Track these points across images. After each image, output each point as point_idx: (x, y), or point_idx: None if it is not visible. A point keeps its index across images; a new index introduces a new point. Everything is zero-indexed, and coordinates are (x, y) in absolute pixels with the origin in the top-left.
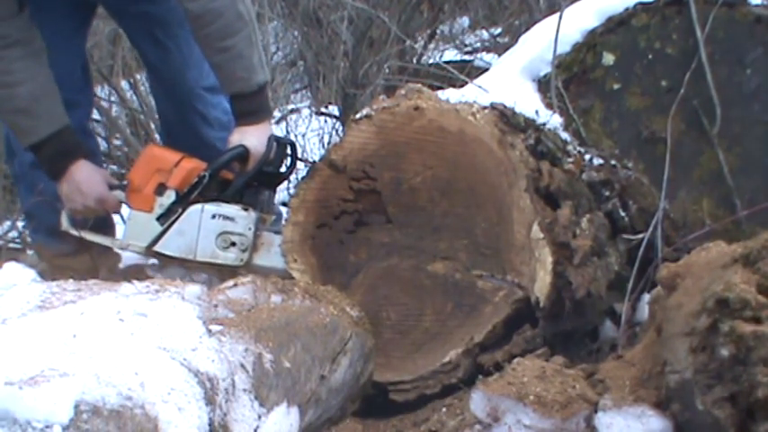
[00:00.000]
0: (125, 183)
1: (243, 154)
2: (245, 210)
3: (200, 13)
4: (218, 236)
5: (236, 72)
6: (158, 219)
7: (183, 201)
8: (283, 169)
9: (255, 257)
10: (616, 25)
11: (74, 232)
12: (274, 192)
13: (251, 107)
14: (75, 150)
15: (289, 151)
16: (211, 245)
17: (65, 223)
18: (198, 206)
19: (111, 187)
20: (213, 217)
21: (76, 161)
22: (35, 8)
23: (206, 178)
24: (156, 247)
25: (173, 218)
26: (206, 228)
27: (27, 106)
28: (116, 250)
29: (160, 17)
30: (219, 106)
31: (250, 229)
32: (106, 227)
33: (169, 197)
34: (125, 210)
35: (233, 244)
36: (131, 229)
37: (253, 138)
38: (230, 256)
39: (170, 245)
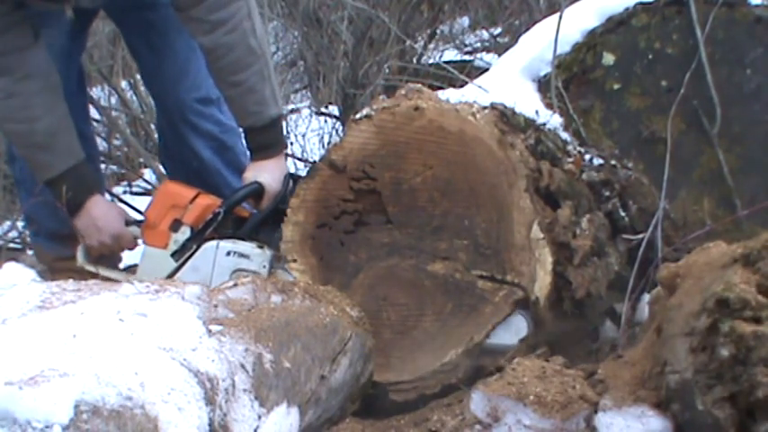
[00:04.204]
0: (141, 219)
1: (257, 191)
2: (260, 247)
3: (212, 47)
4: (232, 273)
5: (248, 106)
6: (173, 255)
7: (197, 237)
8: None
9: None
10: (616, 25)
11: (89, 268)
12: None
13: (264, 141)
14: (92, 185)
15: None
16: None
17: (80, 258)
18: (213, 243)
19: (127, 223)
20: (228, 254)
21: (93, 196)
22: (34, 12)
23: (221, 215)
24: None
25: (187, 254)
26: (221, 265)
27: (45, 141)
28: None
29: (159, 24)
30: (212, 118)
31: (264, 267)
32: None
33: (184, 233)
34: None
35: None
36: (146, 265)
37: (267, 174)
38: None
39: (184, 281)
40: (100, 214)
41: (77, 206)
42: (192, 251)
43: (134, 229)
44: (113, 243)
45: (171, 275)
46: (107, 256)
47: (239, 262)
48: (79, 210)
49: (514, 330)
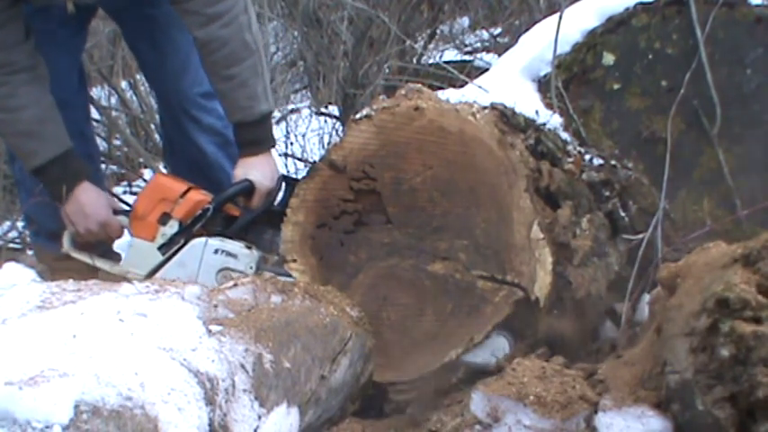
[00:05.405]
0: (129, 209)
1: (247, 189)
2: (249, 248)
3: (207, 40)
4: (218, 271)
5: (239, 100)
6: (160, 248)
7: (185, 232)
8: None
9: None
10: (616, 25)
11: (74, 254)
12: (279, 231)
13: (253, 136)
14: (80, 173)
15: None
16: (211, 280)
17: (66, 245)
18: (201, 239)
19: (116, 212)
20: (216, 252)
21: (81, 183)
22: (33, 9)
23: (210, 211)
24: (156, 277)
25: (174, 248)
26: (207, 262)
27: (31, 129)
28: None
29: (160, 20)
30: (214, 112)
31: (251, 267)
32: (109, 251)
33: (172, 227)
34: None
35: None
36: (132, 256)
37: (256, 171)
38: None
39: (170, 275)
40: (87, 201)
41: (66, 193)
42: (179, 246)
43: (122, 219)
44: (100, 230)
45: (157, 269)
46: (93, 244)
47: (226, 261)
48: (67, 197)
49: (491, 350)
